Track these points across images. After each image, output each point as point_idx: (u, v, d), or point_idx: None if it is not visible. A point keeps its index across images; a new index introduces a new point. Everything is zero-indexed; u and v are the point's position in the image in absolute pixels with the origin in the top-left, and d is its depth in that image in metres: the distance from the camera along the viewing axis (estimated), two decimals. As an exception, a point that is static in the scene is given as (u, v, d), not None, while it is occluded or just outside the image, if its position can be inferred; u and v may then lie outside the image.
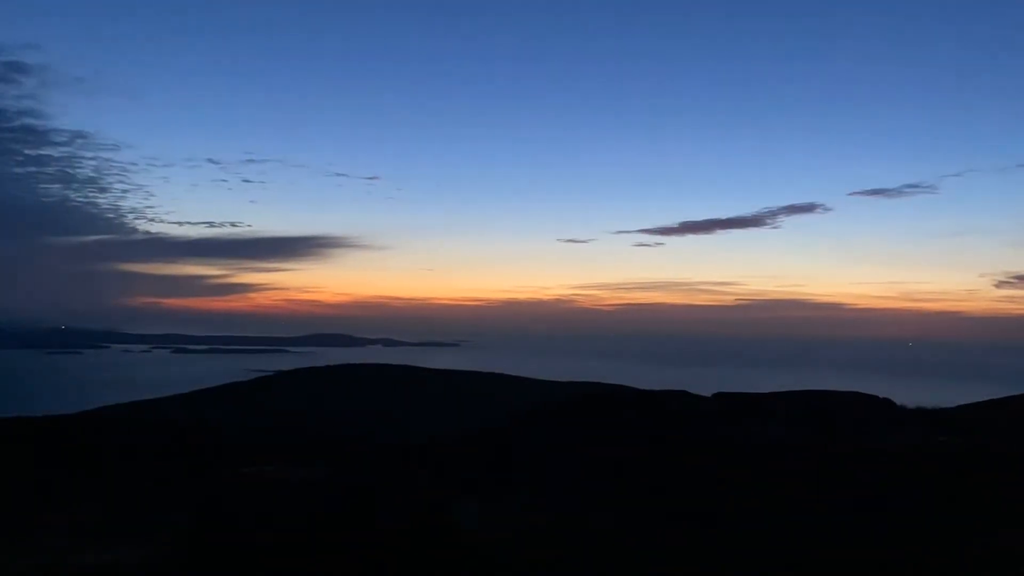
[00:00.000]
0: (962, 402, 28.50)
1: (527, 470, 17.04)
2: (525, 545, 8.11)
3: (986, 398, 29.15)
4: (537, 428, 20.94)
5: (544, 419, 21.57)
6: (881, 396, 22.69)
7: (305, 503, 6.89)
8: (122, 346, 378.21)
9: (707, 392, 25.50)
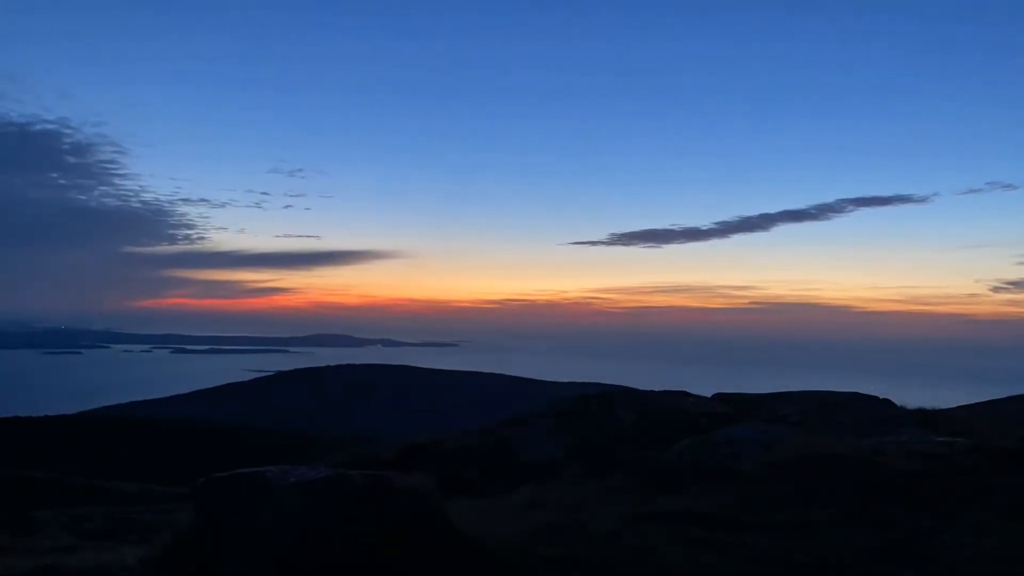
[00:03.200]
0: (962, 402, 28.51)
1: (526, 470, 17.07)
2: (524, 545, 8.13)
3: (986, 399, 29.19)
4: (536, 428, 20.97)
5: (543, 419, 21.59)
6: (881, 396, 22.64)
7: (304, 502, 6.90)
8: (122, 346, 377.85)
9: (709, 392, 25.41)
